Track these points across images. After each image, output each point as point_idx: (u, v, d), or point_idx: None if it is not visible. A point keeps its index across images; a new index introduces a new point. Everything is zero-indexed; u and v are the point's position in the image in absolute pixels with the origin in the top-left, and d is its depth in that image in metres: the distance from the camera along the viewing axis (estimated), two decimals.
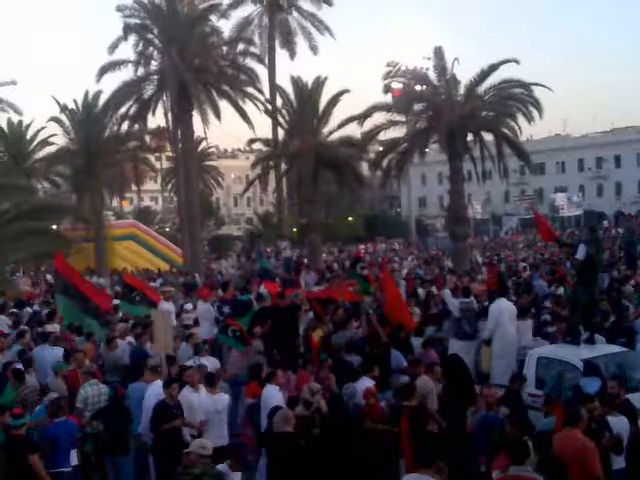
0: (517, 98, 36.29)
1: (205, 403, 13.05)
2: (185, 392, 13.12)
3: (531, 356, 14.35)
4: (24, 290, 33.04)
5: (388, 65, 38.84)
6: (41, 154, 51.34)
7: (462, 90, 36.74)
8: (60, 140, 49.67)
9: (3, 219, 25.63)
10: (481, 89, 36.27)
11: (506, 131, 36.63)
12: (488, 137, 37.13)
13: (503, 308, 16.06)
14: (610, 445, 10.20)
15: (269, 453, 11.41)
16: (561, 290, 22.30)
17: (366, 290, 20.12)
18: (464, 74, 36.82)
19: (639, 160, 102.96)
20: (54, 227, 35.54)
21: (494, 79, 35.80)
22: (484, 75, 35.63)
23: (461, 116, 35.51)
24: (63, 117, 48.41)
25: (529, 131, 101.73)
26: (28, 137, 51.90)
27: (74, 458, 12.07)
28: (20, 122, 51.59)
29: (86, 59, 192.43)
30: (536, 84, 35.80)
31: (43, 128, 51.30)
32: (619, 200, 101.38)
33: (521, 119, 36.35)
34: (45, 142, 51.83)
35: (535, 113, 35.94)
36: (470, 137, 36.78)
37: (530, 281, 26.71)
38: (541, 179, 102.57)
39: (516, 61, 35.83)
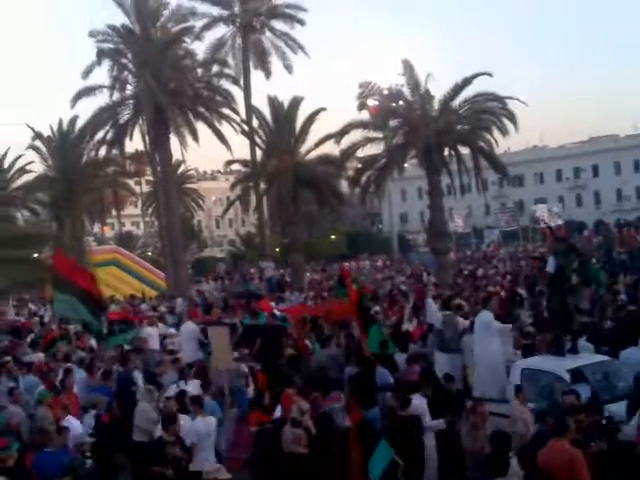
0: (492, 111, 36.53)
1: (196, 426, 12.90)
2: None
3: (516, 367, 14.35)
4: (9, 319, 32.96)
5: (360, 86, 38.98)
6: (19, 182, 51.08)
7: (437, 105, 36.93)
8: (38, 168, 49.48)
9: None
10: (455, 103, 36.49)
11: (482, 144, 36.79)
12: (465, 151, 37.28)
13: (481, 321, 15.98)
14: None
15: (277, 473, 11.29)
16: None
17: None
18: (441, 89, 37.02)
19: (616, 169, 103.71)
20: (35, 255, 35.31)
21: (468, 93, 36.10)
22: (458, 89, 35.83)
23: (437, 131, 35.69)
24: (40, 144, 48.22)
25: (506, 143, 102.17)
26: (5, 166, 51.62)
27: None
28: None
29: (61, 85, 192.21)
30: (510, 97, 36.12)
31: (20, 156, 51.12)
32: (598, 209, 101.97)
33: (497, 132, 36.60)
34: (23, 170, 51.58)
35: (510, 126, 36.26)
36: (447, 151, 36.92)
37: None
38: (520, 191, 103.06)
39: (489, 74, 36.13)
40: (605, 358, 14.59)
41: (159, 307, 32.04)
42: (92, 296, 18.77)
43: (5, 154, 51.41)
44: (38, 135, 47.45)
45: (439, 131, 35.69)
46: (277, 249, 65.98)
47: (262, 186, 46.49)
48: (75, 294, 18.15)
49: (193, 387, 15.52)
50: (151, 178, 60.71)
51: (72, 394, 15.78)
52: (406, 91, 37.29)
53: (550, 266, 14.91)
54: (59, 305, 20.08)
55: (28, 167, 50.93)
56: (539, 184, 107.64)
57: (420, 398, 13.20)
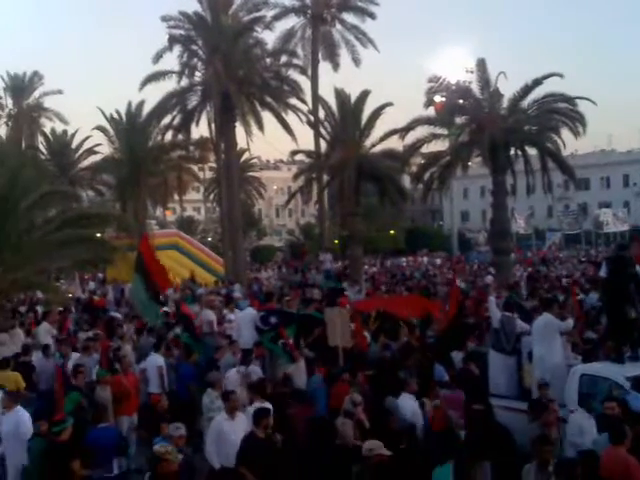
0: (561, 112, 35.96)
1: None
2: (219, 419, 12.39)
3: (574, 373, 14.15)
4: (71, 295, 33.69)
5: (430, 81, 38.51)
6: (86, 163, 51.97)
7: (505, 104, 36.54)
8: (105, 149, 50.28)
9: (49, 226, 25.79)
10: (525, 103, 36.05)
11: (550, 145, 36.28)
12: (532, 151, 36.82)
13: (542, 323, 15.70)
14: None
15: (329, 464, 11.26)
16: None
17: None
18: (508, 88, 36.64)
19: None
20: (98, 235, 35.87)
21: (538, 93, 35.63)
22: (528, 89, 35.33)
23: (504, 130, 35.28)
24: (108, 127, 48.97)
25: (573, 146, 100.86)
26: (73, 146, 52.57)
27: (116, 466, 12.17)
28: (65, 131, 52.36)
29: (131, 69, 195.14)
30: (580, 97, 35.53)
31: (88, 137, 51.99)
32: None
33: (565, 134, 36.11)
34: (90, 151, 52.46)
35: (579, 127, 35.66)
36: (513, 151, 36.50)
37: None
38: (585, 194, 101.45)
39: (560, 75, 35.54)
40: None
41: (234, 293, 32.10)
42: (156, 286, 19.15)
43: (74, 134, 52.51)
44: (109, 118, 48.14)
45: (506, 130, 35.29)
46: (336, 241, 66.10)
47: (324, 177, 46.59)
48: (145, 283, 18.59)
49: (254, 372, 15.67)
50: (214, 165, 61.24)
51: (130, 373, 16.16)
52: (475, 88, 36.98)
53: (603, 271, 14.63)
54: (133, 290, 20.51)
55: (95, 148, 51.98)
56: (605, 188, 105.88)
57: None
